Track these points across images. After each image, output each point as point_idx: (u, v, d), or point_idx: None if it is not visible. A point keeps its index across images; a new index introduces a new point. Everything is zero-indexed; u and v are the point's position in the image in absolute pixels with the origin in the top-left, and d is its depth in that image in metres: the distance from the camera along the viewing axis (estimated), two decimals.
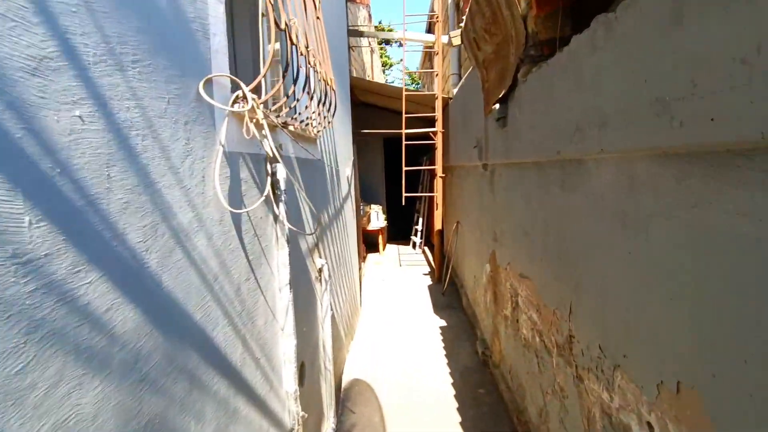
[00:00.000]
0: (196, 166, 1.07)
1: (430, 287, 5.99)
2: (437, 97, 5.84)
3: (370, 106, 8.72)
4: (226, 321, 1.20)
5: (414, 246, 8.51)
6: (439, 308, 5.11)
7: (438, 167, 5.87)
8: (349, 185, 4.61)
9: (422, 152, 9.46)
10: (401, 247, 8.83)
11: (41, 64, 0.60)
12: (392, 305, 5.26)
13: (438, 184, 5.97)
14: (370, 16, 14.52)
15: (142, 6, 0.86)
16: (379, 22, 19.33)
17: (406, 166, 5.90)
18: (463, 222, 5.11)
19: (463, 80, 4.75)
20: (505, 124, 2.59)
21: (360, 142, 8.72)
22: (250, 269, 1.40)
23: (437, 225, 6.05)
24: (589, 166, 1.47)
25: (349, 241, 4.28)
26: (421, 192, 8.20)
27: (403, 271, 6.89)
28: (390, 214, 9.59)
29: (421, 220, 8.14)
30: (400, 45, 8.41)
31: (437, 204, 6.03)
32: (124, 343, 0.75)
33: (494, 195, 3.14)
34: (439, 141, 5.82)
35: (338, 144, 3.84)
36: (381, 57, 18.96)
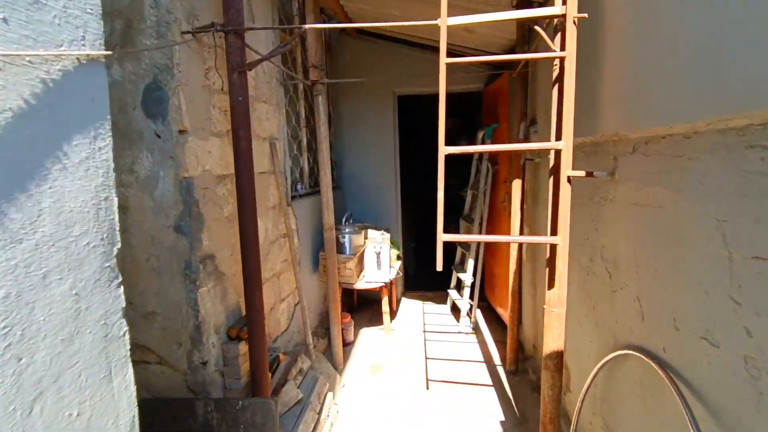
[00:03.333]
0: None
1: None
2: None
3: (372, 37, 4.58)
4: None
5: (456, 312, 4.35)
6: None
7: (564, 146, 1.64)
8: None
9: (470, 124, 5.25)
10: (429, 307, 4.68)
11: None
12: None
13: (560, 196, 1.73)
14: None
15: None
16: None
17: (445, 143, 1.72)
18: None
19: None
20: None
21: (348, 103, 4.61)
22: None
23: (553, 341, 1.82)
24: None
25: None
26: (478, 214, 3.99)
27: (435, 421, 2.77)
28: (408, 240, 5.49)
29: (471, 262, 3.95)
30: None
31: (558, 259, 1.78)
32: None
33: None
34: (570, 60, 1.59)
35: None
36: None
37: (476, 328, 4.03)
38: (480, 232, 3.95)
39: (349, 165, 4.81)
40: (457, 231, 6.76)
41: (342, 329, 3.57)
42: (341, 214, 4.33)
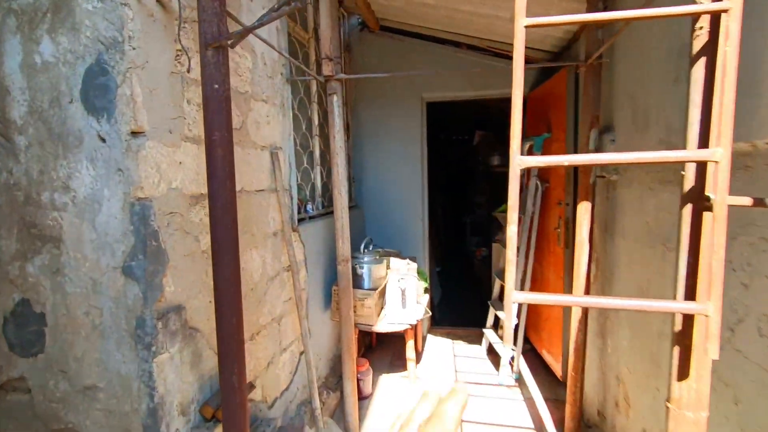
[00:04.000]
0: None
1: None
2: None
3: (398, 35, 4.07)
4: None
5: (493, 356, 3.70)
6: None
7: (723, 156, 1.03)
8: None
9: (502, 137, 4.66)
10: (460, 348, 4.04)
11: None
12: None
13: (712, 237, 1.15)
14: None
15: None
16: None
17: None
18: None
19: None
20: None
21: (370, 110, 4.11)
22: None
23: None
24: None
25: None
26: (525, 242, 3.35)
27: None
28: (432, 263, 4.93)
29: None
30: None
31: (702, 336, 1.18)
32: None
33: None
34: None
35: None
36: None
37: (520, 380, 3.36)
38: (527, 264, 3.31)
39: (370, 180, 4.25)
40: (489, 254, 6.09)
41: (358, 379, 2.96)
42: (359, 238, 3.76)
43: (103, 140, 1.32)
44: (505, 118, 6.35)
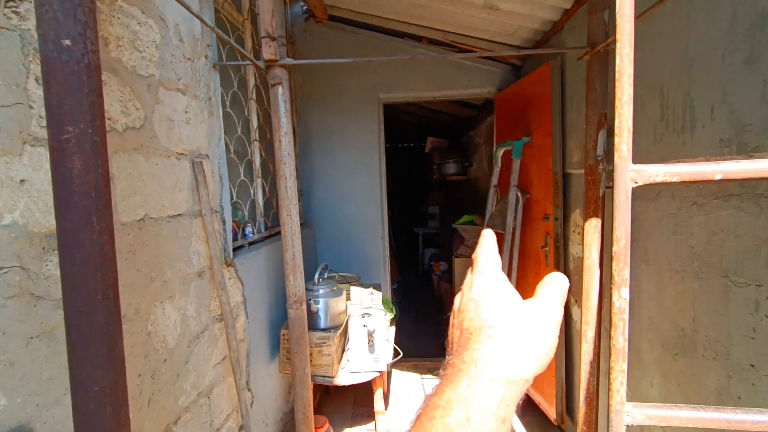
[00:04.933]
0: None
1: None
2: None
3: (351, 26, 3.57)
4: None
5: None
6: None
7: None
8: None
9: (455, 144, 4.36)
10: (431, 384, 3.54)
11: None
12: None
13: None
14: None
15: None
16: None
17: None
18: None
19: None
20: None
21: (318, 113, 3.58)
22: None
23: None
24: None
25: None
26: (506, 262, 2.91)
27: None
28: (391, 282, 4.51)
29: None
30: None
31: None
32: None
33: None
34: None
35: None
36: None
37: None
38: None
39: (320, 194, 3.69)
40: (449, 269, 5.70)
41: None
42: (311, 263, 3.19)
43: None
44: (460, 123, 5.98)
